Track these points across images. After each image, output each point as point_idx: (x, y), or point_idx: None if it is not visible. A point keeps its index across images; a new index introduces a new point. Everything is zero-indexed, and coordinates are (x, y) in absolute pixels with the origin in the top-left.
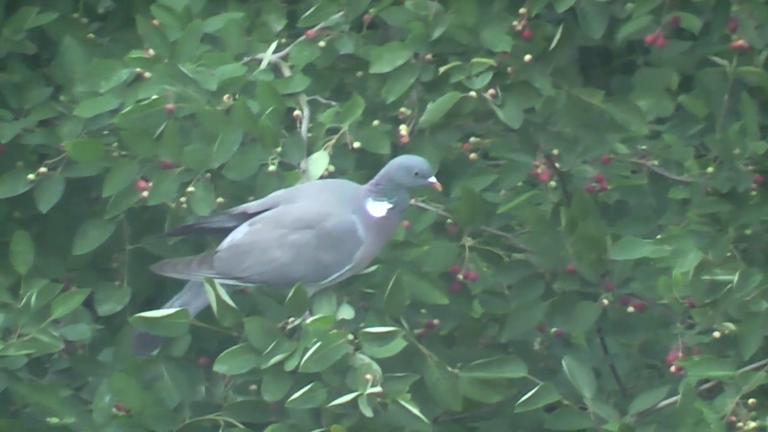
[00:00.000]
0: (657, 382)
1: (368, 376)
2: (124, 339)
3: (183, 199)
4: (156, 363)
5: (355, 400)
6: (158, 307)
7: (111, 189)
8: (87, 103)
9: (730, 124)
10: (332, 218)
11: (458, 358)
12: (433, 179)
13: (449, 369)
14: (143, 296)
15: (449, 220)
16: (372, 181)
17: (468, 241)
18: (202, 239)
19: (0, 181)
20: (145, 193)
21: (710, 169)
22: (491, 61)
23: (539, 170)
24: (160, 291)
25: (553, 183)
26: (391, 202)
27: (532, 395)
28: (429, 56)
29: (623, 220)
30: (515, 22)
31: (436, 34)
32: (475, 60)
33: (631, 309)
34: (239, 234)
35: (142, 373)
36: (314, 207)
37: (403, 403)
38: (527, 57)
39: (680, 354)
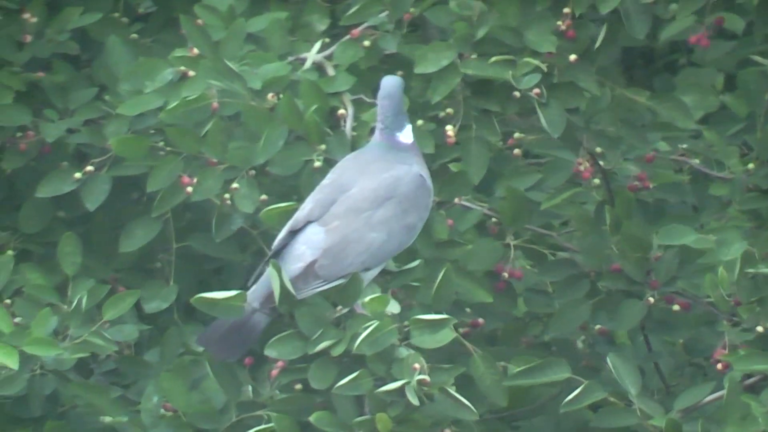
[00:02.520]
0: (701, 379)
1: (416, 365)
2: (171, 338)
3: (227, 195)
4: (202, 363)
5: (401, 389)
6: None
7: (155, 185)
8: (131, 101)
9: None
10: (403, 181)
11: (501, 356)
12: None
13: (495, 363)
14: (188, 295)
15: (494, 219)
16: (379, 120)
17: (512, 240)
18: (247, 239)
19: (46, 180)
20: (190, 189)
21: (751, 166)
22: (539, 62)
23: (582, 168)
24: (204, 290)
25: (596, 180)
26: (407, 122)
27: (577, 394)
28: (473, 56)
29: (664, 218)
30: (559, 22)
31: (480, 34)
32: (523, 60)
33: (676, 307)
34: (318, 237)
35: (188, 373)
36: (379, 179)
37: (451, 391)
38: (572, 57)
39: (725, 351)
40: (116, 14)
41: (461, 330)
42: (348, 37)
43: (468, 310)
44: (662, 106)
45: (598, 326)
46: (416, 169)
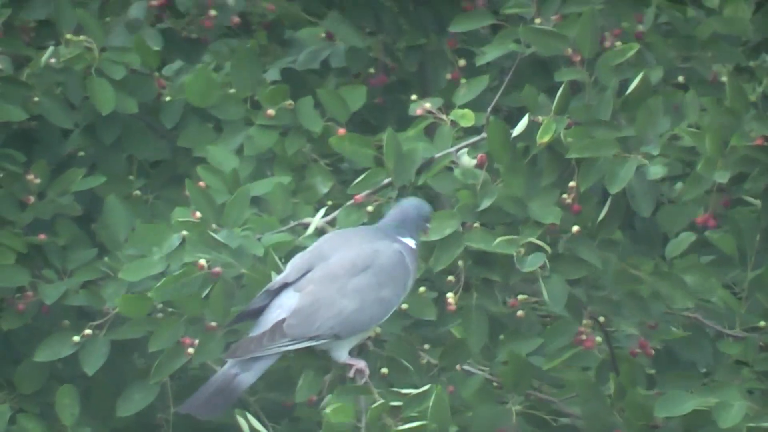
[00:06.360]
0: None
1: None
2: None
3: None
4: None
5: None
6: None
7: (156, 345)
8: (133, 266)
9: (761, 264)
10: (383, 254)
11: None
12: (429, 225)
13: None
14: None
15: (495, 384)
16: (388, 221)
17: (515, 406)
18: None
19: (44, 344)
20: (191, 350)
21: (762, 324)
22: (544, 244)
23: (583, 337)
24: None
25: (599, 339)
26: (414, 239)
27: None
28: (476, 225)
29: (669, 374)
30: (565, 195)
31: (485, 204)
32: (526, 240)
33: None
34: (291, 300)
35: None
36: (359, 250)
37: None
38: (575, 228)
39: None
40: (131, 177)
41: None
42: (352, 202)
43: None
44: (662, 283)
45: None
46: (398, 246)
